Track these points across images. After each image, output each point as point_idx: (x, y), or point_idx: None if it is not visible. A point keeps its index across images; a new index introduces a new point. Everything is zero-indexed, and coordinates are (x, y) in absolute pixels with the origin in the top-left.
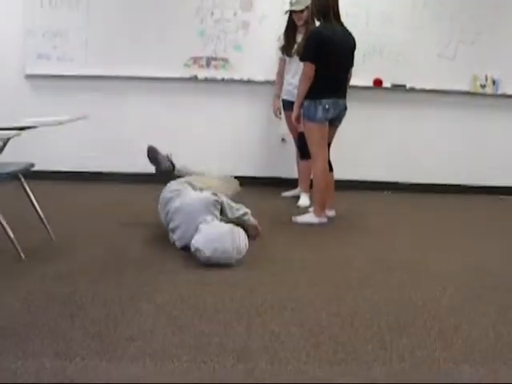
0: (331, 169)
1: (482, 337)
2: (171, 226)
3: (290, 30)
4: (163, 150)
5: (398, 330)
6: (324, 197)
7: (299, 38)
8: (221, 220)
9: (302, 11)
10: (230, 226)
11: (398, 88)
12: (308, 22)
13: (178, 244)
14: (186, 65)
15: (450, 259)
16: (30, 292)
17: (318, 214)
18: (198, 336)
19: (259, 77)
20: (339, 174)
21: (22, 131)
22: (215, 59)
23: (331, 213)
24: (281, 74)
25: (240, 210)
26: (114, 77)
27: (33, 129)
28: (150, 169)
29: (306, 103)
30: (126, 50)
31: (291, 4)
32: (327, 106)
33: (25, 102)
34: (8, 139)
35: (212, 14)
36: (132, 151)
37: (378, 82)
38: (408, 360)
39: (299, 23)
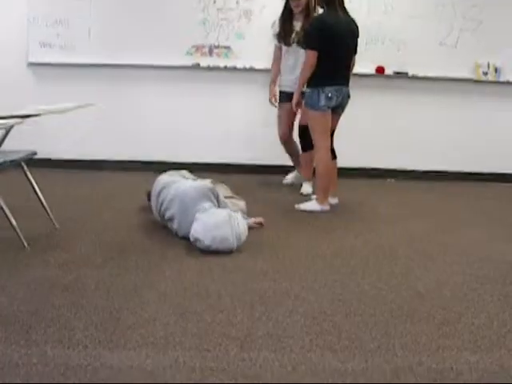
0: (335, 156)
1: (486, 325)
2: (168, 215)
3: (287, 17)
4: (166, 137)
5: (402, 317)
6: (327, 185)
7: (297, 25)
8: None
9: None
10: (227, 212)
11: (400, 75)
12: (308, 9)
13: (179, 233)
14: (189, 53)
15: (454, 247)
16: (32, 280)
17: (321, 201)
18: (201, 324)
19: (261, 65)
20: (342, 161)
21: (25, 119)
22: (217, 47)
23: (334, 200)
24: (277, 61)
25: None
26: (116, 65)
27: (36, 117)
28: (154, 156)
29: (308, 91)
30: (129, 39)
31: None
32: (330, 94)
33: (27, 90)
34: (11, 127)
35: (214, 2)
36: (135, 139)
37: (380, 70)
38: (411, 348)
39: (297, 10)
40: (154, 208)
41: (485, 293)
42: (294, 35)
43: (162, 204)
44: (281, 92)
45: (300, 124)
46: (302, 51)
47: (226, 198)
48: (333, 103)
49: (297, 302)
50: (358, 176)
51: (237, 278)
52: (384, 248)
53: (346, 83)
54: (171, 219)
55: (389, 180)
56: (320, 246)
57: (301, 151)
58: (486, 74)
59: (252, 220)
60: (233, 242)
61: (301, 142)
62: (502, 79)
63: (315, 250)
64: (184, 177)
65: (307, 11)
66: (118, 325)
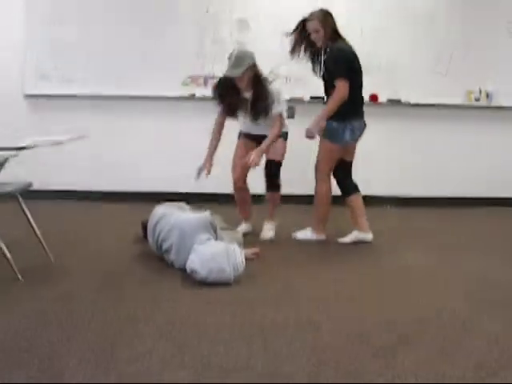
0: (358, 190)
1: (487, 350)
2: (165, 246)
3: (231, 91)
4: (163, 167)
5: (403, 344)
6: (326, 214)
7: (247, 96)
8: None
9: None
10: (224, 244)
11: (393, 103)
12: (257, 78)
13: (176, 265)
14: (185, 83)
15: (455, 272)
16: (26, 314)
17: (317, 231)
18: (198, 357)
19: None
20: (338, 189)
21: (20, 151)
22: (213, 78)
23: (370, 235)
24: (218, 127)
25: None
26: (113, 96)
27: (31, 149)
28: (149, 187)
29: (333, 125)
30: (125, 70)
31: (228, 65)
32: (355, 129)
33: (24, 122)
34: (6, 159)
35: (209, 34)
36: (131, 170)
37: (373, 97)
38: (412, 375)
39: (240, 85)
40: (150, 239)
41: (485, 317)
42: (246, 109)
43: (159, 235)
44: (242, 133)
45: (270, 159)
46: (261, 122)
47: (222, 229)
48: (356, 136)
49: (296, 333)
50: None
51: (235, 310)
52: (383, 274)
53: (364, 114)
54: (168, 250)
55: (386, 207)
56: (319, 276)
57: (266, 190)
58: (477, 99)
59: (248, 251)
60: (230, 274)
61: (269, 180)
62: (493, 104)
63: (314, 280)
64: (181, 208)
65: (255, 80)
66: (113, 359)
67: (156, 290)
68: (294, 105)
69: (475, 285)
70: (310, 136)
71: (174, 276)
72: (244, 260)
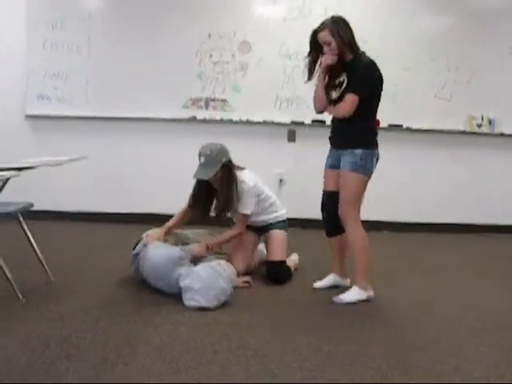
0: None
1: (484, 377)
2: (154, 285)
3: (204, 192)
4: (163, 189)
5: (399, 370)
6: (369, 263)
7: (221, 195)
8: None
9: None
10: (208, 265)
11: (395, 128)
12: (229, 175)
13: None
14: (185, 106)
15: (451, 299)
16: (26, 334)
17: (364, 286)
18: (196, 379)
19: (257, 117)
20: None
21: (21, 171)
22: (214, 100)
23: (346, 282)
24: (183, 213)
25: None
26: (113, 118)
27: (32, 169)
28: (148, 209)
29: (359, 153)
30: (126, 92)
31: (199, 164)
32: (379, 157)
33: (25, 142)
34: (7, 179)
35: (211, 56)
36: (131, 191)
37: (376, 123)
38: None
39: (214, 185)
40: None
41: (482, 345)
42: (215, 206)
43: (146, 277)
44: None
45: (274, 260)
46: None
47: (219, 254)
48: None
49: (293, 356)
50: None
51: (232, 332)
52: (380, 300)
53: None
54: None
55: (385, 232)
56: (316, 300)
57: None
58: (480, 125)
59: (239, 279)
60: (229, 288)
61: (276, 282)
62: (496, 131)
63: (311, 303)
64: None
65: (228, 178)
66: (113, 379)
67: (155, 311)
68: (294, 128)
69: (472, 312)
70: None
71: (171, 299)
72: (233, 269)
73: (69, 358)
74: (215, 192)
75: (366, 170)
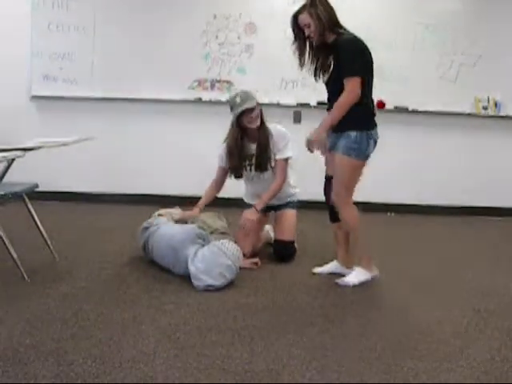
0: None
1: (489, 360)
2: (161, 263)
3: (238, 141)
4: (168, 170)
5: (403, 353)
6: (366, 243)
7: (252, 148)
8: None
9: (253, 109)
10: (213, 243)
11: (400, 110)
12: (262, 122)
13: (176, 273)
14: (191, 87)
15: (456, 281)
16: (32, 313)
17: (367, 267)
18: (200, 359)
19: (263, 99)
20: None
21: (27, 152)
22: (219, 81)
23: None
24: (217, 183)
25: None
26: (118, 99)
27: (37, 150)
28: (154, 190)
29: (353, 135)
30: (131, 73)
31: (237, 104)
32: (376, 138)
33: (30, 123)
34: (13, 160)
35: (216, 37)
36: (136, 172)
37: (380, 104)
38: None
39: (254, 125)
40: (143, 252)
41: (487, 327)
42: (251, 161)
43: (151, 251)
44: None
45: (282, 240)
46: (267, 175)
47: (222, 232)
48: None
49: (296, 337)
50: (359, 210)
51: (237, 313)
52: (384, 281)
53: None
54: (165, 266)
55: (389, 214)
56: (319, 280)
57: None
58: (485, 108)
59: (247, 261)
60: (235, 266)
61: (283, 259)
62: (502, 113)
63: (315, 284)
64: (172, 217)
65: (261, 125)
66: (118, 359)
67: (160, 292)
68: (300, 110)
69: (476, 295)
70: (310, 148)
71: (176, 279)
72: (238, 249)
73: (74, 338)
74: (245, 148)
75: (359, 153)
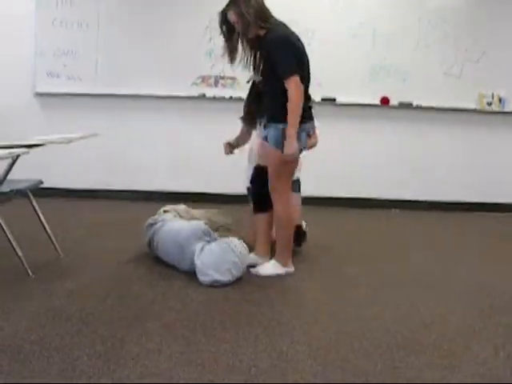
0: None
1: (492, 356)
2: (166, 259)
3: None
4: (172, 167)
5: (407, 349)
6: (291, 240)
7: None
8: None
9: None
10: (221, 241)
11: (404, 106)
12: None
13: (180, 269)
14: (195, 83)
15: (459, 277)
16: (37, 310)
17: (285, 262)
18: (205, 355)
19: None
20: (347, 192)
21: (31, 149)
22: (223, 78)
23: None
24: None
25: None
26: (122, 95)
27: (42, 146)
28: (158, 186)
29: (281, 128)
30: (135, 69)
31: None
32: (310, 132)
33: (34, 120)
34: (17, 156)
35: (220, 33)
36: (140, 169)
37: (385, 101)
38: (417, 380)
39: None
40: (148, 248)
41: (490, 323)
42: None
43: (156, 247)
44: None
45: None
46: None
47: (227, 229)
48: (307, 143)
49: (301, 333)
50: (362, 206)
51: (241, 309)
52: (388, 278)
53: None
54: (170, 262)
55: (393, 210)
56: (325, 277)
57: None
58: (490, 104)
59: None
60: (241, 262)
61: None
62: (506, 109)
63: (320, 282)
64: (178, 214)
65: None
66: (122, 355)
67: (164, 288)
68: None
69: (479, 291)
70: (290, 160)
71: (181, 276)
72: (245, 247)
73: (78, 335)
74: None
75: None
